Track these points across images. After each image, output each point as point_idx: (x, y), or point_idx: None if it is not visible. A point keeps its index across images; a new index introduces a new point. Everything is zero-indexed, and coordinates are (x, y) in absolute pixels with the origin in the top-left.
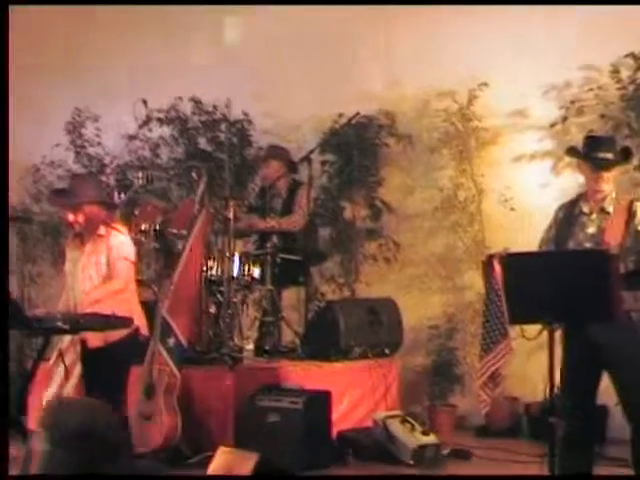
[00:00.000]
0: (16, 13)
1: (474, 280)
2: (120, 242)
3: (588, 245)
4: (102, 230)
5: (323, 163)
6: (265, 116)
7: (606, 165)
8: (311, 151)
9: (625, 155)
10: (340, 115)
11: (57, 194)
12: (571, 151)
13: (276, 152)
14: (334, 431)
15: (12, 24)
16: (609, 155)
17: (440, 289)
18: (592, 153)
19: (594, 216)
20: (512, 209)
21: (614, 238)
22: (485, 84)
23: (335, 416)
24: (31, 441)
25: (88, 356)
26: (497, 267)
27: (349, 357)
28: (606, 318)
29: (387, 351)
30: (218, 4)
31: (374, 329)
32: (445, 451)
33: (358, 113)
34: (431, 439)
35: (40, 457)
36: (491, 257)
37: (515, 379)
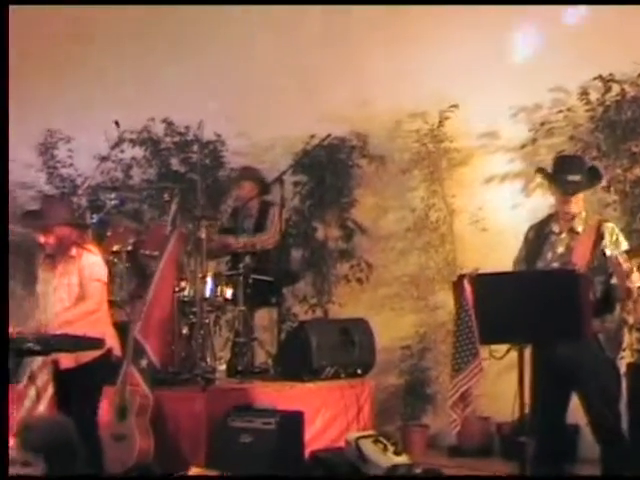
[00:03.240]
0: None
1: (446, 300)
2: (92, 263)
3: (556, 265)
4: (74, 251)
5: (295, 184)
6: (237, 137)
7: (573, 188)
8: (283, 172)
9: (593, 177)
10: (312, 136)
11: (29, 216)
12: (541, 172)
13: (249, 173)
14: (307, 451)
15: None
16: (577, 178)
17: (412, 309)
18: (560, 175)
19: (563, 236)
20: (483, 229)
21: (582, 258)
22: (456, 105)
23: (308, 436)
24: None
25: (60, 377)
26: (467, 287)
27: (321, 377)
28: (574, 338)
29: (359, 371)
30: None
31: (346, 349)
32: (417, 471)
33: (330, 134)
34: (403, 459)
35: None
36: (462, 277)
37: (487, 398)
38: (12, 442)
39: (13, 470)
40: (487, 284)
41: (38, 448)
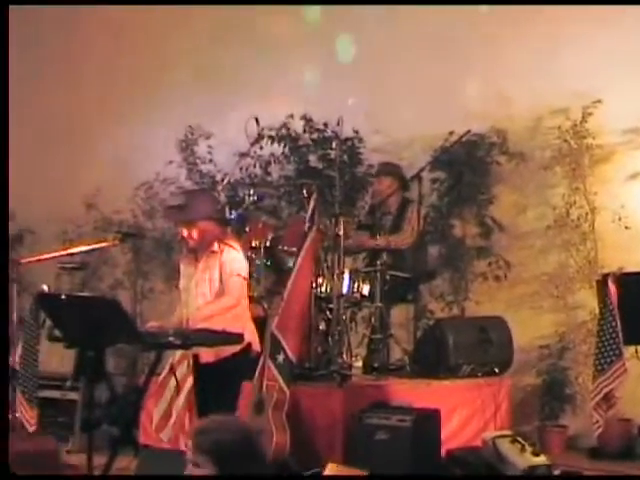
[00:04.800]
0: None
1: (587, 299)
2: (233, 258)
3: None
4: (215, 246)
5: (433, 181)
6: (376, 134)
7: None
8: (422, 169)
9: None
10: (451, 133)
11: (173, 210)
12: None
13: (388, 169)
14: (443, 450)
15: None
16: None
17: (551, 308)
18: None
19: None
20: (626, 227)
21: None
22: (599, 101)
23: (444, 435)
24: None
25: (200, 371)
26: (612, 287)
27: (458, 375)
28: None
29: (497, 370)
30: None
31: (484, 348)
32: (556, 472)
33: (469, 131)
34: (542, 460)
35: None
36: (606, 276)
37: (628, 400)
38: (189, 443)
39: (187, 470)
40: (633, 284)
41: (207, 451)
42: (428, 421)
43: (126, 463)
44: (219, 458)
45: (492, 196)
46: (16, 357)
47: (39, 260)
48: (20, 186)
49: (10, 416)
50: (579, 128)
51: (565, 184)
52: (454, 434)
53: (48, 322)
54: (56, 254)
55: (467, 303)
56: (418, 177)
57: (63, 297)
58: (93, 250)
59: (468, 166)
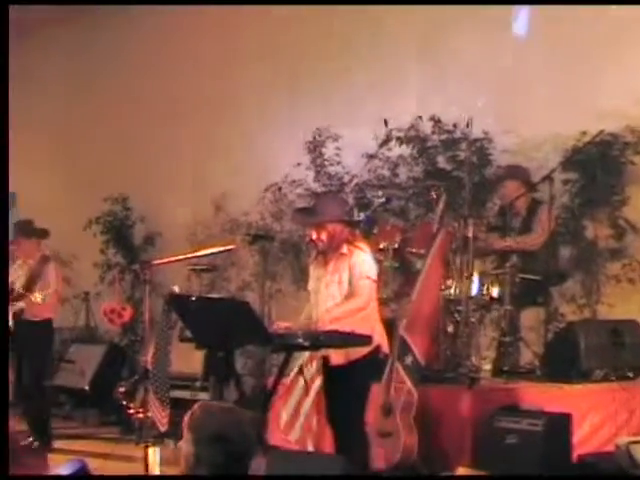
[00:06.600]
0: None
1: None
2: (362, 260)
3: None
4: (345, 248)
5: (565, 182)
6: (505, 134)
7: None
8: (553, 170)
9: None
10: (583, 133)
11: (301, 212)
12: None
13: (513, 172)
14: (574, 455)
15: None
16: None
17: None
18: None
19: None
20: None
21: None
22: None
23: (575, 439)
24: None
25: (330, 373)
26: None
27: (590, 379)
28: None
29: (631, 374)
30: None
31: (617, 351)
32: None
33: (602, 131)
34: None
35: (186, 457)
36: None
37: None
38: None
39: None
40: None
41: (191, 429)
42: (559, 425)
43: (254, 464)
44: (198, 440)
45: (626, 197)
46: (148, 357)
47: (169, 262)
48: (151, 190)
49: (142, 415)
50: None
51: None
52: (586, 439)
53: (179, 323)
54: (185, 256)
55: (599, 306)
56: (549, 178)
57: (193, 298)
58: (221, 252)
59: (601, 166)
